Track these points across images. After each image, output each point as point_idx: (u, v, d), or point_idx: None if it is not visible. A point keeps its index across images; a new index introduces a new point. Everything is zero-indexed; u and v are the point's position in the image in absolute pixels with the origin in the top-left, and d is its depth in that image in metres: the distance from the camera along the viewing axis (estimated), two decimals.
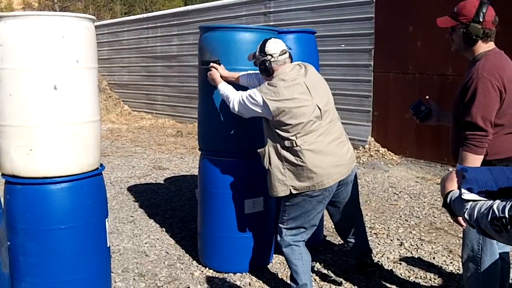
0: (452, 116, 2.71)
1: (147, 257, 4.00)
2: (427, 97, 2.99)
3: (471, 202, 1.46)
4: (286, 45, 3.17)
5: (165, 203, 5.45)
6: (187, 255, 4.03)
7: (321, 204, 3.12)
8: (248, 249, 3.64)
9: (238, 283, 3.54)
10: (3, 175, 2.84)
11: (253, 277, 3.62)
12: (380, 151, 7.44)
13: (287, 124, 2.97)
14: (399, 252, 4.06)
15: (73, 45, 2.69)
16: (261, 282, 3.56)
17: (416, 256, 3.98)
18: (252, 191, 3.56)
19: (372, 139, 7.61)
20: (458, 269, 3.67)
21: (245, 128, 3.47)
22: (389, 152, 7.41)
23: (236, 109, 3.15)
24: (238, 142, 3.55)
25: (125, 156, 7.99)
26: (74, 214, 2.78)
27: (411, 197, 5.60)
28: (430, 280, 3.56)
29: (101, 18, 18.42)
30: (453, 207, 1.56)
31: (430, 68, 6.82)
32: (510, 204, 1.32)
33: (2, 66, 2.65)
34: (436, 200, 5.42)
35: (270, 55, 3.07)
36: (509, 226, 1.31)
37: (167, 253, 4.08)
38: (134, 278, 3.64)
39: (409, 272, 3.69)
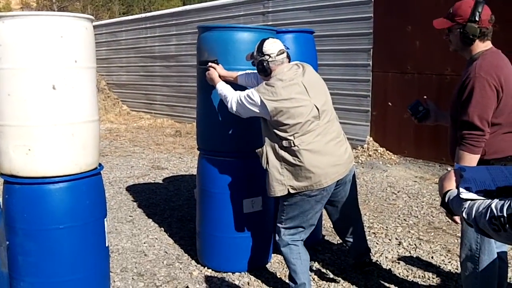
0: (450, 115, 2.71)
1: (145, 257, 4.00)
2: (425, 97, 3.00)
3: (469, 201, 1.47)
4: (284, 45, 3.18)
5: (164, 202, 5.45)
6: (186, 254, 4.03)
7: (319, 203, 3.12)
8: (246, 248, 3.64)
9: (236, 282, 3.55)
10: (1, 175, 2.83)
11: (252, 277, 3.62)
12: (379, 151, 7.45)
13: (285, 124, 2.97)
14: (397, 251, 4.07)
15: (71, 45, 2.69)
16: (259, 281, 3.57)
17: (414, 256, 3.98)
18: (250, 190, 3.57)
19: (371, 138, 7.62)
20: (457, 269, 3.68)
21: (243, 128, 3.47)
22: (388, 151, 7.42)
23: (234, 109, 3.16)
24: (236, 142, 3.56)
25: (124, 156, 7.98)
26: (73, 214, 2.78)
27: (409, 197, 5.61)
28: (428, 279, 3.57)
29: (99, 18, 18.41)
30: (451, 206, 1.57)
31: (428, 68, 6.82)
32: (508, 203, 1.32)
33: (0, 66, 2.65)
34: (434, 199, 5.43)
35: (268, 55, 3.07)
36: (507, 225, 1.31)
37: (166, 252, 4.08)
38: (133, 278, 3.64)
39: (407, 271, 3.70)
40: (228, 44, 3.49)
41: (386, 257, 3.94)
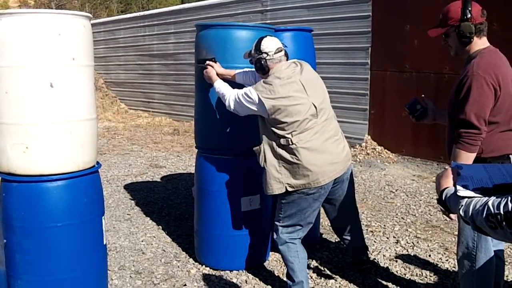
0: (447, 114, 2.71)
1: (143, 255, 4.01)
2: (422, 95, 3.00)
3: (466, 199, 1.47)
4: (282, 43, 3.18)
5: (162, 201, 5.45)
6: (184, 252, 4.03)
7: (317, 201, 3.12)
8: (244, 246, 3.64)
9: (234, 280, 3.55)
10: None
11: (250, 275, 3.62)
12: (377, 149, 7.45)
13: (283, 122, 2.97)
14: (395, 249, 4.07)
15: (69, 42, 2.69)
16: (257, 279, 3.57)
17: (412, 254, 3.99)
18: (248, 189, 3.57)
19: (369, 137, 7.62)
20: (454, 267, 3.68)
21: (241, 126, 3.47)
22: (386, 150, 7.43)
23: (232, 107, 3.15)
24: (234, 140, 3.56)
25: (122, 154, 7.98)
26: (71, 212, 2.78)
27: (407, 195, 5.61)
28: (425, 277, 3.58)
29: (97, 16, 18.38)
30: (448, 204, 1.57)
31: (427, 66, 6.83)
32: (505, 200, 1.32)
33: None
34: (432, 198, 5.43)
35: (265, 53, 3.07)
36: (504, 223, 1.31)
37: (164, 251, 4.09)
38: (130, 276, 3.64)
39: (405, 269, 3.71)
40: (226, 42, 3.49)
41: (384, 255, 3.95)
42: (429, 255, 3.95)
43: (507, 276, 3.40)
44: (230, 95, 3.16)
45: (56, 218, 2.74)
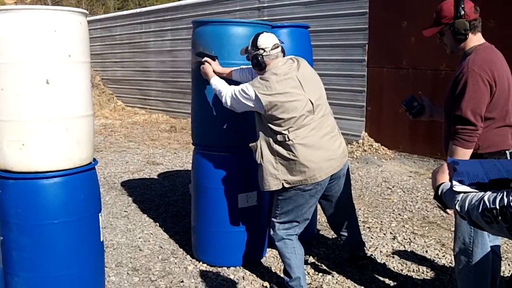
0: (443, 110, 2.72)
1: (140, 252, 4.00)
2: (419, 92, 3.00)
3: (462, 194, 1.47)
4: (279, 39, 3.17)
5: (159, 198, 5.45)
6: (181, 249, 4.03)
7: (314, 198, 3.13)
8: (241, 243, 3.64)
9: (231, 277, 3.55)
10: None
11: (247, 271, 3.63)
12: (374, 146, 7.46)
13: (280, 119, 2.97)
14: (392, 245, 4.08)
15: (65, 39, 2.68)
16: (254, 275, 3.57)
17: (408, 250, 4.00)
18: (245, 185, 3.57)
19: (366, 134, 7.63)
20: (451, 263, 3.69)
21: (238, 122, 3.47)
22: (383, 147, 7.44)
23: (229, 103, 3.15)
24: (231, 136, 3.55)
25: (119, 152, 7.97)
26: (67, 208, 2.77)
27: (404, 192, 5.62)
28: (422, 273, 3.59)
29: (94, 13, 18.31)
30: (444, 199, 1.57)
31: (423, 63, 6.83)
32: (501, 195, 1.33)
33: None
34: (429, 194, 5.44)
35: (262, 49, 3.07)
36: (499, 217, 1.32)
37: (161, 247, 4.09)
38: (127, 273, 3.64)
39: (401, 265, 3.71)
40: (223, 38, 3.48)
41: (381, 251, 3.96)
42: (426, 251, 3.96)
43: (503, 272, 3.41)
44: (226, 92, 3.16)
45: (53, 215, 2.73)
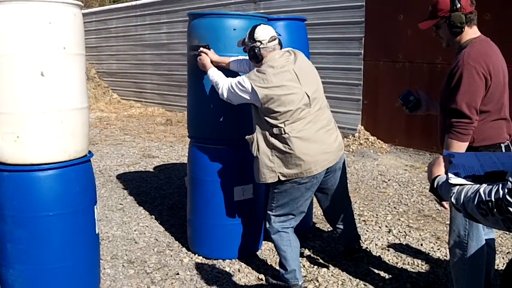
0: (439, 104, 2.72)
1: (136, 244, 4.00)
2: (415, 87, 3.00)
3: (457, 187, 1.48)
4: (276, 32, 3.16)
5: (155, 191, 5.44)
6: (177, 242, 4.03)
7: (309, 191, 3.13)
8: (237, 236, 3.65)
9: (227, 269, 3.56)
10: None
11: (242, 264, 3.63)
12: (370, 140, 7.47)
13: (276, 112, 2.96)
14: (387, 238, 4.10)
15: (60, 31, 2.66)
16: (250, 268, 3.58)
17: (404, 243, 4.02)
18: (241, 178, 3.56)
19: (362, 127, 7.64)
20: (445, 256, 3.71)
21: (234, 115, 3.46)
22: (379, 140, 7.44)
23: (225, 95, 3.14)
24: (227, 129, 3.55)
25: (114, 145, 7.95)
26: (62, 201, 2.77)
27: (399, 185, 5.64)
28: (417, 266, 3.60)
29: (89, 6, 18.19)
30: (440, 191, 1.58)
31: (420, 56, 6.83)
32: (496, 187, 1.33)
33: None
34: (424, 188, 5.46)
35: (259, 41, 3.06)
36: (495, 209, 1.32)
37: (157, 240, 4.09)
38: (123, 265, 3.64)
39: (397, 258, 3.73)
40: (218, 31, 3.47)
41: (376, 244, 3.97)
42: (421, 244, 3.98)
43: (497, 265, 3.43)
44: (223, 84, 3.15)
45: (48, 207, 2.73)
